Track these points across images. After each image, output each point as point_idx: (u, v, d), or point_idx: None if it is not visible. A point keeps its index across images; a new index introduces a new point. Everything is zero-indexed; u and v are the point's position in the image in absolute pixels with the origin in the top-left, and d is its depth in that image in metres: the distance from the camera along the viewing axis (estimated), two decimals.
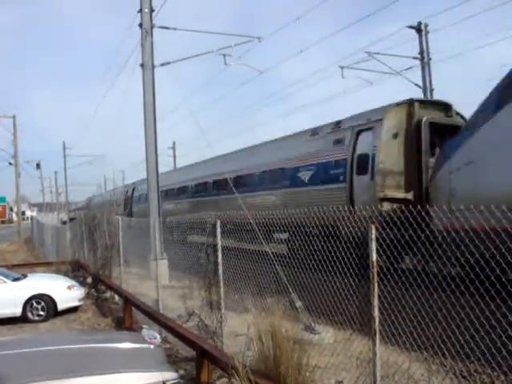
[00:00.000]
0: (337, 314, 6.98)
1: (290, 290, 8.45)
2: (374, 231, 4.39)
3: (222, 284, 7.57)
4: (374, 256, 4.43)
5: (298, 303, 8.56)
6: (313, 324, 8.56)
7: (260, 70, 22.19)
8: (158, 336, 8.53)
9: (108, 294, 14.86)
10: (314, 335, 8.23)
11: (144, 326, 9.98)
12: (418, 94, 23.68)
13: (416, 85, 24.68)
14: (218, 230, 7.48)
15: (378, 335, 4.55)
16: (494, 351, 5.38)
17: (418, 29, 24.62)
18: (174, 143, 61.68)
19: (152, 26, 17.88)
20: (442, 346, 5.45)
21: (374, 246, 4.43)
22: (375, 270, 4.43)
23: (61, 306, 12.84)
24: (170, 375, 5.01)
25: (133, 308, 11.33)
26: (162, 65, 18.59)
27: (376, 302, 4.52)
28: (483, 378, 6.22)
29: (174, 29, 19.03)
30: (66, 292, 13.18)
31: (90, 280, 16.93)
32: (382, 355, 5.24)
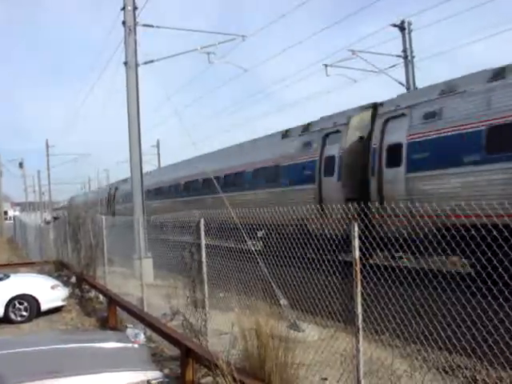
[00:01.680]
0: (321, 311, 7.03)
1: (274, 287, 8.48)
2: (356, 228, 4.42)
3: (206, 282, 7.57)
4: (357, 253, 4.45)
5: (283, 301, 8.59)
6: (297, 322, 8.60)
7: (244, 68, 22.25)
8: (143, 335, 8.51)
9: (92, 293, 14.76)
10: (299, 333, 8.26)
11: (128, 326, 9.95)
12: (403, 91, 23.86)
13: (400, 83, 24.85)
14: (202, 229, 7.47)
15: (361, 332, 4.59)
16: (475, 346, 5.46)
17: (402, 27, 24.78)
18: (158, 141, 61.50)
19: (135, 24, 17.79)
20: (424, 341, 5.51)
21: (356, 243, 4.45)
22: (358, 267, 4.46)
23: (44, 307, 12.72)
24: (155, 374, 5.01)
25: (117, 307, 11.28)
26: (146, 63, 18.52)
27: (359, 299, 4.55)
28: (465, 372, 6.30)
29: (158, 27, 18.96)
30: (49, 292, 13.06)
31: (73, 280, 16.80)
32: (366, 352, 5.30)
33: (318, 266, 6.82)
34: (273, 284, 8.50)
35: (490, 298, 5.29)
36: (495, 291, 5.35)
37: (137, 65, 17.89)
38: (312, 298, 7.29)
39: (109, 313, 11.41)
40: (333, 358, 6.81)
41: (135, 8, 17.76)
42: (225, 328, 7.59)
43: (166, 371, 7.57)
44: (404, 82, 24.76)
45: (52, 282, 13.94)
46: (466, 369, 6.44)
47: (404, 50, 24.62)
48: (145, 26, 18.36)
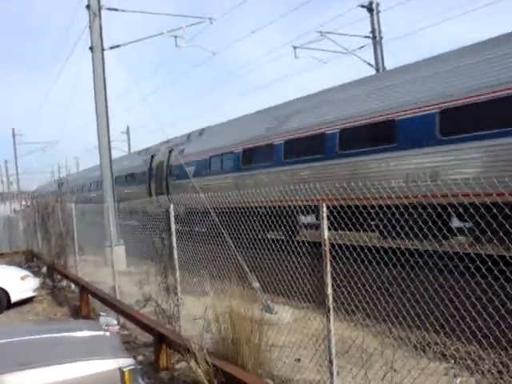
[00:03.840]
0: (294, 292, 7.08)
1: (247, 270, 8.49)
2: (325, 209, 4.43)
3: (177, 268, 7.54)
4: (326, 233, 4.47)
5: (256, 284, 8.63)
6: (271, 304, 8.65)
7: (213, 51, 22.06)
8: (116, 323, 8.44)
9: (64, 282, 14.59)
10: (272, 315, 8.32)
11: (101, 314, 9.86)
12: (372, 72, 23.99)
13: (369, 64, 24.94)
14: (172, 214, 7.42)
15: (331, 312, 4.62)
16: (441, 322, 5.57)
17: (370, 8, 24.79)
18: (127, 128, 60.76)
19: (100, 8, 17.41)
20: (394, 320, 5.59)
21: (325, 224, 4.47)
22: (327, 247, 4.48)
23: (14, 298, 12.51)
24: (127, 361, 4.96)
25: (89, 296, 11.17)
26: (112, 48, 18.19)
27: (329, 279, 4.58)
28: (434, 348, 6.44)
29: (123, 10, 18.64)
30: (19, 283, 12.84)
31: (44, 270, 16.58)
32: (337, 331, 5.35)
33: (288, 247, 6.85)
34: (245, 267, 8.52)
35: (456, 274, 5.39)
36: (462, 268, 5.46)
37: (103, 50, 17.55)
38: (284, 281, 7.34)
39: (81, 302, 11.30)
40: (306, 338, 6.88)
41: None
42: (198, 313, 7.58)
43: (140, 358, 7.56)
44: (373, 63, 24.86)
45: (22, 272, 13.69)
46: (437, 344, 6.58)
47: (372, 31, 24.67)
48: (109, 9, 18.01)
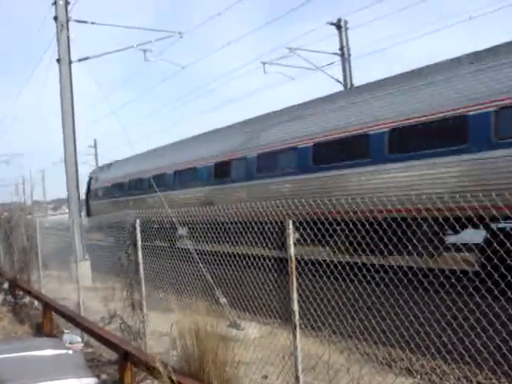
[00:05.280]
0: (261, 308, 7.05)
1: (214, 286, 8.43)
2: (291, 226, 4.44)
3: (143, 283, 7.43)
4: (292, 250, 4.47)
5: (223, 300, 8.56)
6: (238, 320, 8.59)
7: (182, 65, 22.14)
8: (80, 340, 8.27)
9: (27, 299, 14.17)
10: (240, 331, 8.25)
11: (65, 331, 9.64)
12: (340, 89, 24.30)
13: (337, 81, 25.27)
14: (138, 229, 7.33)
15: (298, 329, 4.61)
16: (407, 339, 5.61)
17: (338, 25, 25.18)
18: (95, 141, 60.14)
19: (68, 20, 17.23)
20: (360, 336, 5.61)
21: (291, 240, 4.47)
22: (293, 264, 4.48)
23: None
24: (89, 381, 4.86)
25: (53, 313, 10.90)
26: (81, 60, 17.98)
27: (295, 295, 4.58)
28: (402, 364, 6.47)
29: (92, 23, 18.46)
30: None
31: (6, 286, 16.12)
32: (304, 348, 5.33)
33: (255, 263, 6.82)
34: (211, 282, 8.46)
35: (421, 290, 5.45)
36: (426, 284, 5.53)
37: (70, 62, 17.34)
38: (251, 296, 7.30)
39: (44, 319, 10.99)
40: (273, 354, 6.83)
41: (67, 3, 17.20)
42: (165, 329, 7.47)
43: (104, 376, 7.39)
44: (341, 79, 25.21)
45: None
46: (403, 360, 6.61)
47: (341, 48, 25.04)
48: (78, 21, 17.83)
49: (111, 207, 26.29)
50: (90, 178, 33.55)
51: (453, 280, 4.94)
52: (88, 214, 30.85)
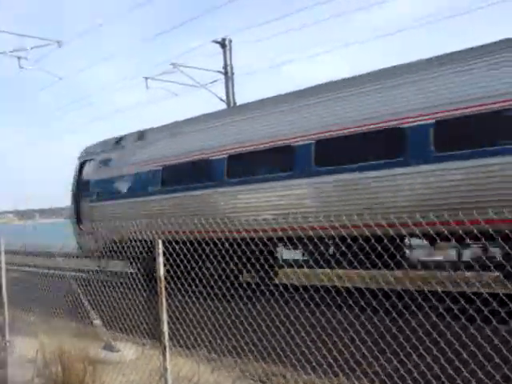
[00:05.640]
0: (138, 329, 6.83)
1: (88, 307, 8.06)
2: (160, 246, 4.34)
3: (6, 306, 6.91)
4: (162, 271, 4.37)
5: (97, 321, 8.19)
6: (113, 342, 8.25)
7: (60, 75, 21.23)
8: None
9: None
10: (115, 353, 7.92)
11: None
12: (223, 107, 24.55)
13: (220, 99, 25.48)
14: (2, 248, 6.83)
15: (167, 350, 4.50)
16: (286, 354, 5.70)
17: (223, 44, 25.48)
18: None
19: None
20: (235, 354, 5.60)
21: (161, 260, 4.37)
22: (163, 284, 4.38)
23: None
24: None
25: None
26: None
27: (165, 316, 4.47)
28: (275, 379, 6.53)
29: None
30: None
31: None
32: (176, 367, 5.22)
33: (129, 283, 6.61)
34: (85, 302, 8.07)
35: (292, 304, 5.57)
36: (307, 298, 5.67)
37: None
38: (127, 315, 7.06)
39: None
40: (149, 376, 6.62)
41: None
42: (31, 355, 6.98)
43: None
44: (224, 97, 25.47)
45: None
46: (276, 376, 6.68)
47: (224, 67, 25.33)
48: None
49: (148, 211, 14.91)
50: (83, 162, 18.21)
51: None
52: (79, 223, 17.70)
